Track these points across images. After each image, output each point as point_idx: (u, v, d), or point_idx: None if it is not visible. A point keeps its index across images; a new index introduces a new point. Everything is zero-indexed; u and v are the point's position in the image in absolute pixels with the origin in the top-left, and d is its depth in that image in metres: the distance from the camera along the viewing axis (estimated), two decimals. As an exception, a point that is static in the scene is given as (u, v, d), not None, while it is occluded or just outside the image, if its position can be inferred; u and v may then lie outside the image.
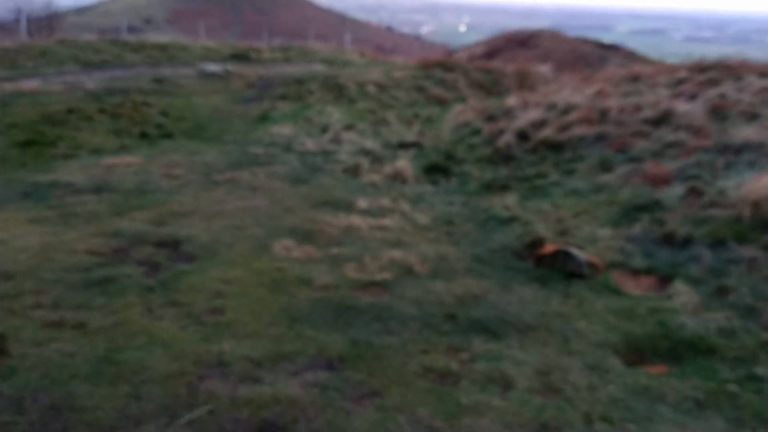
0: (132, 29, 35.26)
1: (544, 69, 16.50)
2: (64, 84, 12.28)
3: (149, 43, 18.44)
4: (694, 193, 6.21)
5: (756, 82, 9.44)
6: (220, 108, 12.17)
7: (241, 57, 18.19)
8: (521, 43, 30.96)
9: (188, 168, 7.74)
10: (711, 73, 10.48)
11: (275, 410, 3.19)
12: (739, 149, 7.08)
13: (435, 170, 8.28)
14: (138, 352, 3.64)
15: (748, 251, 5.19)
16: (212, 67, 15.40)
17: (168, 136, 9.97)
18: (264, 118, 11.45)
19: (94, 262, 4.84)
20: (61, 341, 3.70)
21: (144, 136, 9.81)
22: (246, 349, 3.75)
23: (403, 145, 9.36)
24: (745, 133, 7.44)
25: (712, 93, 9.23)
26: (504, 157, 8.37)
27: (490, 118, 9.89)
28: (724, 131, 7.73)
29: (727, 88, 9.40)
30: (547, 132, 8.61)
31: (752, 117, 8.22)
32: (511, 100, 10.49)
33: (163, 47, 17.82)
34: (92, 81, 12.81)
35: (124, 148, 9.09)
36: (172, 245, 5.31)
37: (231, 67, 15.95)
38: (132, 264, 4.89)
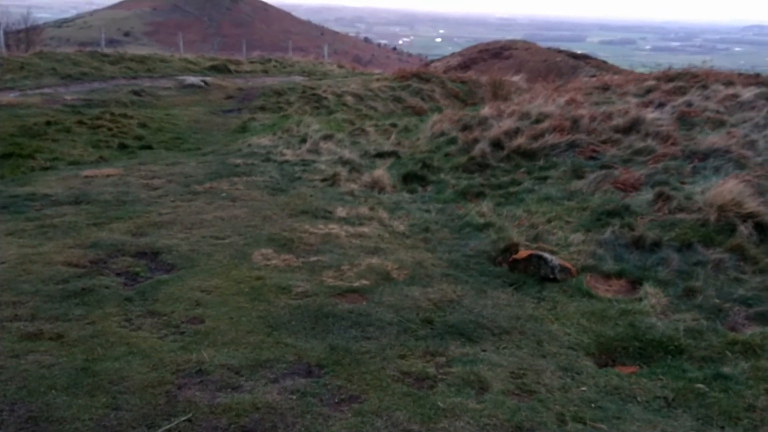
0: (111, 42, 35.08)
1: (517, 79, 16.76)
2: (42, 96, 12.23)
3: (128, 55, 18.41)
4: (663, 198, 6.37)
5: (721, 90, 9.71)
6: (199, 119, 12.19)
7: (220, 69, 18.22)
8: (495, 54, 31.32)
9: (167, 179, 7.75)
10: (678, 81, 10.76)
11: (254, 417, 3.24)
12: (705, 155, 7.28)
13: (412, 179, 8.38)
14: (116, 363, 3.66)
15: (714, 254, 5.35)
16: (191, 79, 15.42)
17: (147, 147, 9.97)
18: (243, 129, 11.49)
19: (71, 274, 4.84)
20: (38, 353, 3.71)
21: (123, 147, 9.81)
22: (225, 357, 3.79)
23: (381, 155, 9.45)
24: (711, 139, 7.66)
25: (679, 101, 9.48)
26: (479, 166, 8.49)
27: (466, 127, 10.03)
28: (691, 138, 7.95)
29: (694, 96, 9.65)
30: (521, 140, 8.76)
31: (718, 124, 8.46)
32: (486, 110, 10.65)
33: (142, 59, 17.79)
34: (71, 93, 12.77)
35: (102, 159, 9.08)
36: (151, 255, 5.33)
37: (210, 78, 15.98)
38: (110, 275, 4.90)
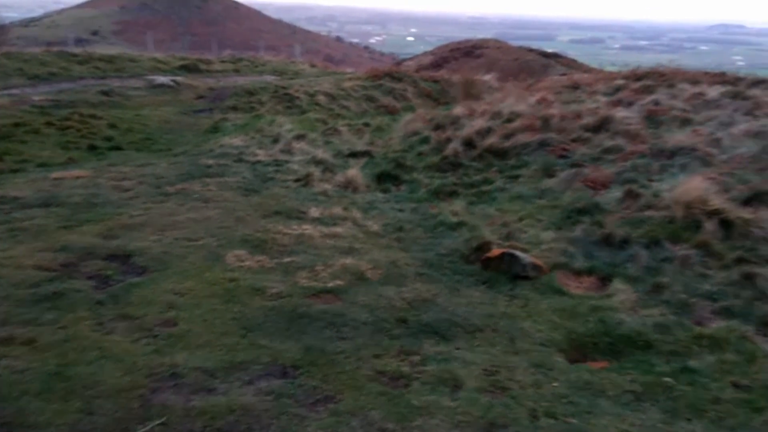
0: (79, 41, 34.51)
1: (489, 78, 16.88)
2: (10, 97, 11.99)
3: (97, 55, 18.11)
4: (631, 196, 6.49)
5: (688, 89, 9.91)
6: (170, 119, 12.07)
7: (190, 68, 18.03)
8: (467, 53, 31.49)
9: (138, 180, 7.67)
10: (646, 80, 10.95)
11: (229, 419, 3.24)
12: (672, 153, 7.44)
13: (385, 178, 8.41)
14: (89, 367, 3.63)
15: (681, 250, 5.47)
16: (161, 79, 15.24)
17: (117, 148, 9.85)
18: (215, 129, 11.41)
19: (42, 278, 4.78)
20: (10, 358, 3.67)
21: (92, 148, 9.67)
22: (199, 360, 3.78)
23: (354, 154, 9.46)
24: (678, 137, 7.83)
25: (647, 100, 9.65)
26: (452, 165, 8.55)
27: (438, 126, 10.09)
28: (659, 136, 8.11)
29: (661, 95, 9.84)
30: (493, 139, 8.85)
31: (684, 122, 8.64)
32: (458, 109, 10.72)
33: (110, 59, 17.51)
34: (39, 94, 12.54)
35: (71, 161, 8.94)
36: (123, 258, 5.28)
37: (180, 78, 15.82)
38: (81, 278, 4.85)
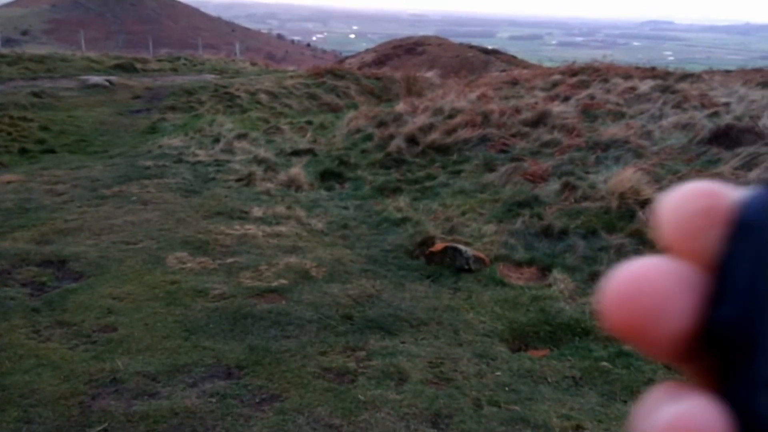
0: (8, 41, 33.12)
1: (431, 75, 17.06)
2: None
3: (26, 55, 17.42)
4: (569, 188, 6.69)
5: (621, 84, 10.27)
6: (105, 121, 11.74)
7: (126, 68, 17.55)
8: (409, 49, 31.72)
9: (73, 183, 7.44)
10: (582, 75, 11.30)
11: (172, 423, 3.20)
12: (607, 146, 7.70)
13: (329, 176, 8.40)
14: (26, 375, 3.52)
15: (616, 239, 5.67)
16: (95, 79, 14.80)
17: (50, 151, 9.54)
18: (153, 130, 11.16)
19: (-29, 287, 4.59)
20: (-62, 370, 3.52)
21: (24, 152, 9.34)
22: (140, 365, 3.71)
23: (297, 153, 9.41)
24: (612, 130, 8.11)
25: (583, 94, 9.96)
26: (395, 161, 8.62)
27: (381, 123, 10.14)
28: (594, 129, 8.38)
29: (596, 89, 10.17)
30: (435, 136, 8.95)
31: (618, 116, 8.96)
32: (401, 106, 10.80)
33: (41, 59, 16.88)
34: (-36, 97, 12.00)
35: (2, 165, 8.61)
36: (58, 264, 5.12)
37: (115, 78, 15.39)
38: (15, 285, 4.68)
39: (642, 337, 0.29)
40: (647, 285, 0.29)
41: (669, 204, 0.31)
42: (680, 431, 0.27)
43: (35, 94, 12.80)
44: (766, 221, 0.31)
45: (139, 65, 18.18)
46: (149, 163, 8.48)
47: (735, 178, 6.47)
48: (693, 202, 0.31)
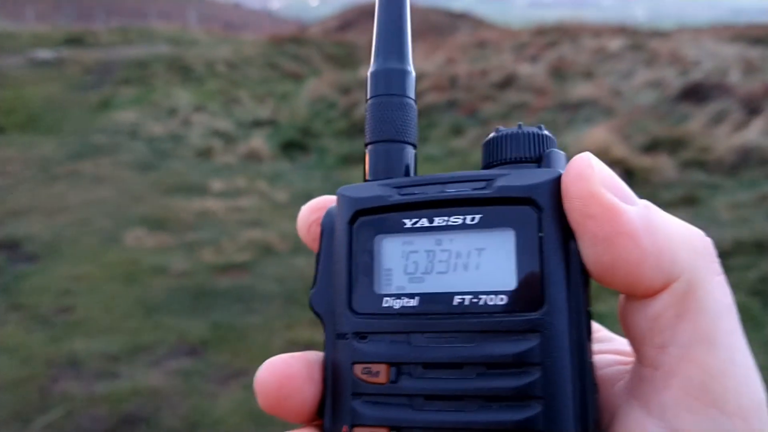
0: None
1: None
2: None
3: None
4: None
5: (590, 43, 10.25)
6: (55, 97, 11.35)
7: (76, 41, 16.97)
8: (374, 14, 31.26)
9: (23, 163, 7.21)
10: (551, 36, 11.23)
11: (136, 402, 3.14)
12: (577, 106, 7.71)
13: (292, 147, 8.28)
14: (-19, 362, 3.42)
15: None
16: (44, 54, 14.28)
17: (-2, 130, 9.21)
18: (105, 105, 10.83)
19: None
20: None
21: (-31, 132, 8.99)
22: (100, 345, 3.63)
23: (258, 124, 9.25)
24: (582, 90, 8.11)
25: (552, 55, 9.91)
26: (361, 129, 8.50)
27: (345, 90, 10.00)
28: (564, 90, 8.38)
29: (565, 49, 10.13)
30: (400, 101, 8.85)
31: (588, 75, 8.96)
32: (365, 72, 10.64)
33: (-16, 34, 16.23)
34: None
35: (-54, 147, 8.29)
36: (10, 246, 4.97)
37: (65, 53, 14.86)
38: (-35, 271, 4.53)
39: (282, 412, 0.42)
40: (281, 377, 0.42)
41: (300, 214, 0.48)
42: None
43: (-20, 72, 12.33)
44: (330, 225, 0.45)
45: (89, 38, 17.60)
46: (103, 139, 8.25)
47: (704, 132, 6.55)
48: (308, 214, 0.47)
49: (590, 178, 0.38)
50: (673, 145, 6.35)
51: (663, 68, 8.87)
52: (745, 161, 6.00)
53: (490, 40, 12.44)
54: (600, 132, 6.41)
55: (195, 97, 10.80)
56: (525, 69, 9.36)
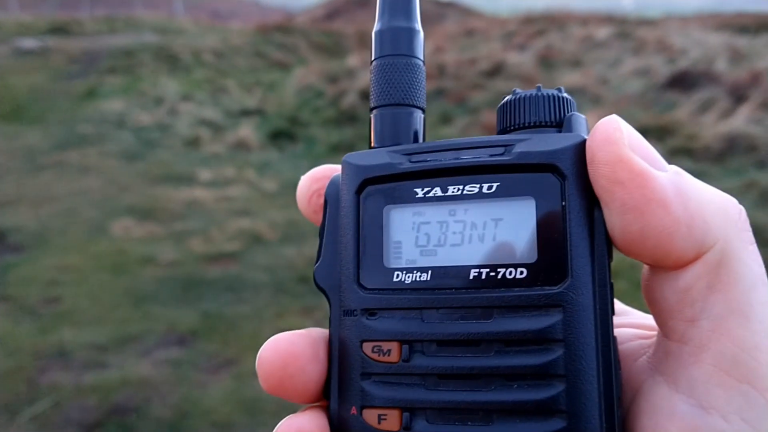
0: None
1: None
2: None
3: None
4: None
5: (578, 31, 10.25)
6: (41, 87, 11.21)
7: (61, 30, 16.74)
8: (361, 3, 31.10)
9: (8, 154, 7.12)
10: (539, 25, 11.23)
11: (125, 392, 3.13)
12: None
13: (280, 136, 8.23)
14: (-33, 354, 3.39)
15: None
16: (28, 43, 14.08)
17: (-18, 120, 9.08)
18: (92, 95, 10.70)
19: None
20: None
21: (-47, 122, 8.87)
22: (89, 336, 3.61)
23: (246, 113, 9.19)
24: (570, 78, 8.12)
25: (540, 44, 9.91)
26: (349, 118, 8.48)
27: (333, 79, 9.95)
28: (552, 79, 8.38)
29: (553, 38, 10.13)
30: (388, 90, 8.82)
31: (576, 64, 8.96)
32: (353, 60, 10.60)
33: (-34, 23, 15.98)
34: None
35: (-71, 137, 8.17)
36: (-3, 237, 4.92)
37: (50, 42, 14.67)
38: (-50, 262, 4.48)
39: (285, 393, 0.41)
40: (285, 356, 0.40)
41: (300, 184, 0.46)
42: (289, 428, 0.39)
43: (-37, 61, 12.15)
44: (335, 195, 0.42)
45: (75, 28, 17.36)
46: (89, 129, 8.16)
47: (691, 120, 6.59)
48: (309, 184, 0.45)
49: (619, 142, 0.36)
50: (661, 133, 6.38)
51: (650, 56, 8.89)
52: (732, 149, 6.03)
53: (479, 28, 12.41)
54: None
55: (182, 86, 10.71)
56: (513, 57, 9.35)
